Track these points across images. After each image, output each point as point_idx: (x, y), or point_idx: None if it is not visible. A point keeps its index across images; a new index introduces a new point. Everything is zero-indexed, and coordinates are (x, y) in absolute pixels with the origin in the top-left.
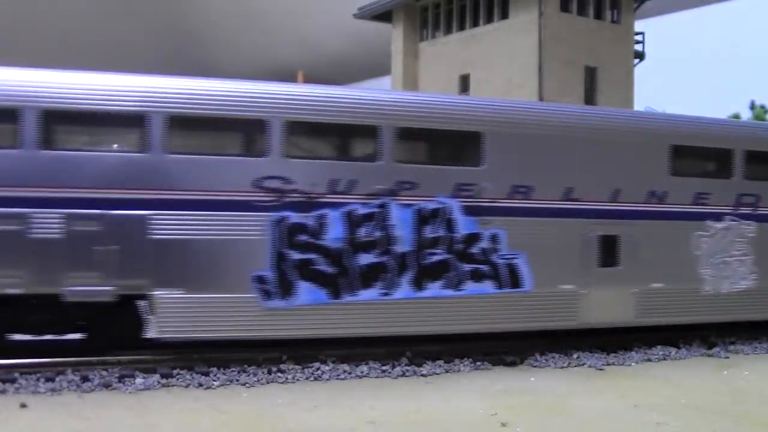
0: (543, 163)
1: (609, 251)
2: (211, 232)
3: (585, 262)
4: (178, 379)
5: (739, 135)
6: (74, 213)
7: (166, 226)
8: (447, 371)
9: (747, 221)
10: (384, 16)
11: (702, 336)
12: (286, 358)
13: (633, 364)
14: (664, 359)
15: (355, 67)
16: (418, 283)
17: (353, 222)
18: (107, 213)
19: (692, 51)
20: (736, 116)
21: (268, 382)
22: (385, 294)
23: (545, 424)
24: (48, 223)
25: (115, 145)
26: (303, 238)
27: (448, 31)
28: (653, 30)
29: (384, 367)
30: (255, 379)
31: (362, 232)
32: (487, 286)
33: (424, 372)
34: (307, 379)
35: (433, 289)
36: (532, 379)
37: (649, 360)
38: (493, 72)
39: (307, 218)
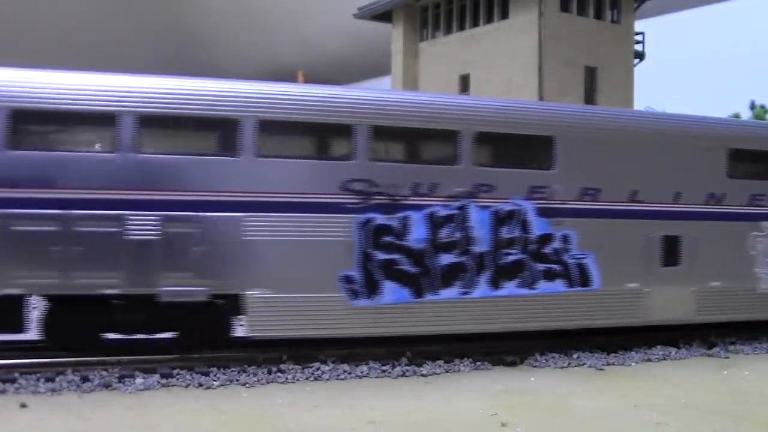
0: (609, 166)
1: (671, 251)
2: (301, 233)
3: (648, 262)
4: (178, 379)
5: None
6: (170, 215)
7: (258, 227)
8: (447, 371)
9: None
10: (384, 16)
11: (702, 336)
12: (286, 358)
13: (633, 364)
14: (664, 359)
15: (355, 67)
16: (494, 282)
17: (435, 223)
18: (201, 215)
19: (692, 51)
20: (736, 116)
21: (268, 382)
22: (465, 293)
23: (545, 424)
24: (144, 225)
25: (208, 149)
26: (387, 239)
27: (448, 31)
28: (653, 30)
29: (384, 367)
30: (255, 379)
31: (443, 233)
32: (559, 285)
33: (424, 372)
34: (307, 379)
35: (509, 287)
36: (532, 379)
37: (649, 360)
38: (493, 72)
39: (392, 220)
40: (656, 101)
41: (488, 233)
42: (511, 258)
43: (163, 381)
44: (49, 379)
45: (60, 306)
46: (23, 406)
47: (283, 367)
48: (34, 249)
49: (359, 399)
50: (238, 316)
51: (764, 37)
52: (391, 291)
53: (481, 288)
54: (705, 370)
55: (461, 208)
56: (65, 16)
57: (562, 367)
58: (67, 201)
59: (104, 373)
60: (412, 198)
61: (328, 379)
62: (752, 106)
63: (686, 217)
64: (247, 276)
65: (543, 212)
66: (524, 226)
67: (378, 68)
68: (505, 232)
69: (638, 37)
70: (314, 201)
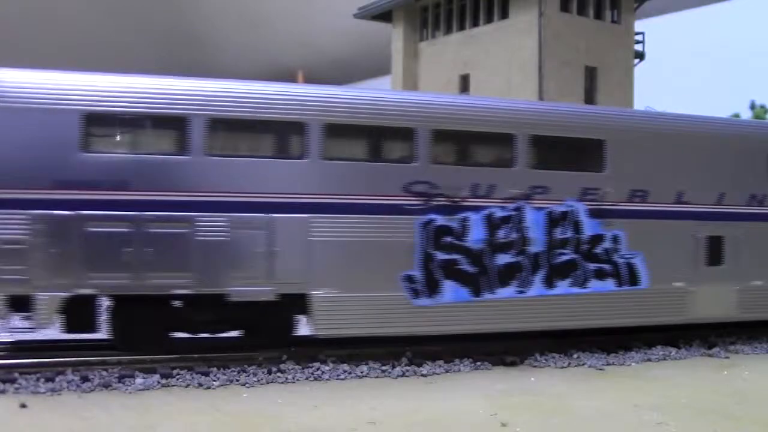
0: (657, 168)
1: (715, 251)
2: (364, 234)
3: (694, 261)
4: (178, 379)
5: None
6: (239, 216)
7: (324, 228)
8: (447, 371)
9: None
10: (384, 16)
11: (702, 336)
12: (286, 358)
13: (633, 364)
14: (664, 359)
15: (355, 67)
16: (549, 282)
17: (492, 224)
18: (269, 216)
19: (692, 51)
20: (736, 116)
21: (268, 382)
22: (520, 292)
23: (545, 424)
24: (214, 227)
25: (277, 152)
26: (447, 239)
27: (448, 31)
28: (653, 30)
29: (384, 367)
30: (255, 379)
31: (500, 234)
32: (609, 284)
33: (424, 372)
34: (307, 379)
35: (562, 286)
36: (532, 379)
37: (649, 360)
38: (493, 72)
39: (451, 221)
40: (656, 101)
41: (543, 234)
42: (564, 258)
43: (163, 381)
44: (49, 379)
45: (130, 306)
46: (23, 406)
47: (283, 367)
48: (107, 250)
49: (359, 399)
50: (302, 316)
51: (764, 37)
52: (451, 290)
53: (536, 287)
54: (705, 370)
55: (517, 209)
56: (65, 17)
57: (562, 367)
58: (139, 202)
59: (104, 373)
60: (470, 199)
61: (328, 379)
62: (752, 106)
63: (729, 218)
64: (313, 276)
65: (594, 213)
66: (577, 226)
67: (378, 68)
68: (559, 233)
69: (638, 37)
70: (377, 202)
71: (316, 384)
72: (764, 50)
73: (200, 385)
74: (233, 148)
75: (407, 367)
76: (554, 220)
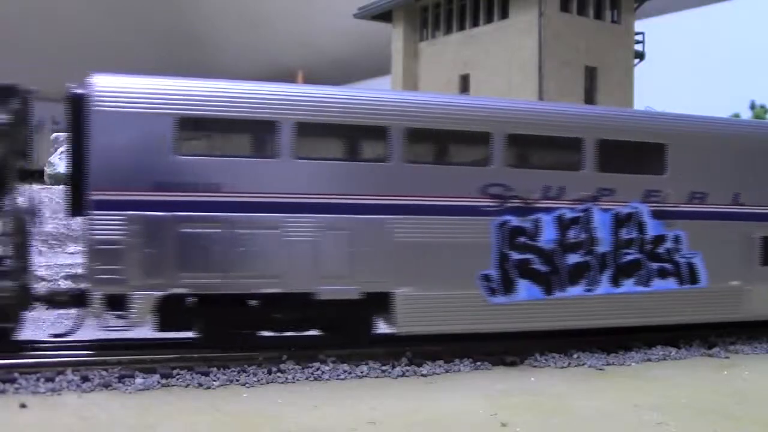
0: (715, 171)
1: None
2: (444, 234)
3: (748, 261)
4: (178, 379)
5: None
6: (326, 218)
7: (406, 229)
8: (447, 371)
9: None
10: (384, 16)
11: (702, 336)
12: (286, 358)
13: (633, 364)
14: (664, 359)
15: (355, 67)
16: (615, 280)
17: (563, 225)
18: (355, 218)
19: (692, 51)
20: (736, 116)
21: (268, 382)
22: (589, 290)
23: (545, 424)
24: (302, 228)
25: (360, 155)
26: (521, 239)
27: (448, 31)
28: (653, 30)
29: (384, 367)
30: (255, 379)
31: (570, 234)
32: (671, 283)
33: (424, 372)
34: (307, 379)
35: (628, 285)
36: (532, 379)
37: (649, 360)
38: (493, 72)
39: (525, 222)
40: (656, 101)
41: (609, 234)
42: (629, 257)
43: (163, 381)
44: (49, 379)
45: (220, 305)
46: (23, 406)
47: (283, 367)
48: (200, 250)
49: (359, 399)
50: (382, 314)
51: (764, 37)
52: (524, 288)
53: (603, 285)
54: (705, 370)
55: (586, 210)
56: (65, 17)
57: (562, 367)
58: (230, 204)
59: (104, 373)
60: (542, 201)
61: (328, 379)
62: (752, 106)
63: None
64: (396, 275)
65: (657, 214)
66: (641, 227)
67: (378, 68)
68: (624, 234)
69: (638, 37)
70: (456, 204)
71: (316, 384)
72: (764, 50)
73: (200, 385)
74: (319, 151)
75: (407, 367)
76: (620, 221)
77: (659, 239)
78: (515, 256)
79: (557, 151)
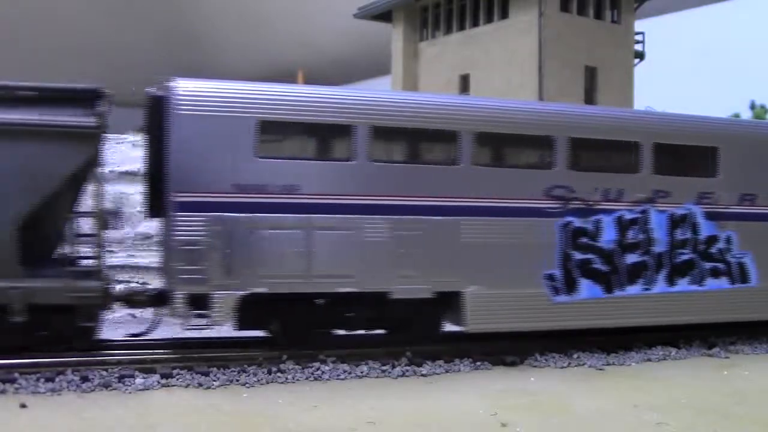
0: (764, 174)
1: None
2: (511, 235)
3: None
4: (178, 379)
5: None
6: (399, 219)
7: (475, 230)
8: (447, 371)
9: None
10: (384, 16)
11: (702, 336)
12: (286, 358)
13: (633, 364)
14: (664, 359)
15: (355, 67)
16: (670, 279)
17: (622, 226)
18: (426, 218)
19: (692, 51)
20: (736, 116)
21: (268, 382)
22: (646, 289)
23: (545, 424)
24: (377, 228)
25: (431, 158)
26: (583, 240)
27: (448, 31)
28: (653, 30)
29: (384, 367)
30: (255, 379)
31: (629, 235)
32: (723, 282)
33: (424, 372)
34: (307, 379)
35: (682, 284)
36: (532, 379)
37: (649, 360)
38: (493, 72)
39: (586, 223)
40: (656, 101)
41: (665, 235)
42: (683, 257)
43: (163, 381)
44: (49, 379)
45: (296, 304)
46: (23, 406)
47: (283, 367)
48: (279, 250)
49: (359, 399)
50: (450, 312)
51: (764, 37)
52: (586, 287)
53: (660, 284)
54: (705, 370)
55: (643, 212)
56: (65, 17)
57: (562, 367)
58: (308, 206)
59: (104, 373)
60: (602, 203)
61: (328, 379)
62: (752, 106)
63: None
64: (465, 274)
65: (710, 216)
66: (694, 228)
67: (378, 68)
68: (679, 234)
69: (638, 37)
70: (522, 206)
71: (316, 384)
72: (764, 50)
73: (200, 385)
74: (394, 154)
75: (407, 367)
76: (675, 222)
77: (712, 240)
78: (577, 256)
79: (616, 155)
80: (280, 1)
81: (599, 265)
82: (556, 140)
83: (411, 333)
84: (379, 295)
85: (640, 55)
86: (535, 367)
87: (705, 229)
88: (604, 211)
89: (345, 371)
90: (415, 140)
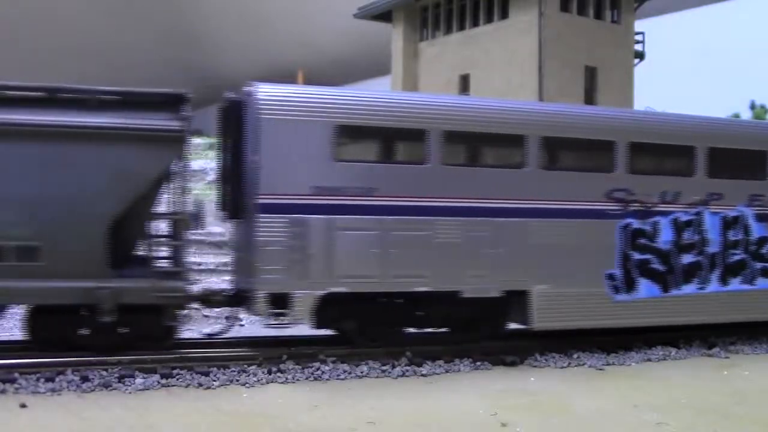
0: None
1: None
2: (574, 236)
3: None
4: (178, 379)
5: None
6: (471, 220)
7: (541, 231)
8: (447, 371)
9: None
10: (384, 16)
11: (702, 336)
12: (286, 358)
13: (633, 364)
14: (664, 359)
15: (355, 67)
16: (723, 279)
17: (678, 227)
18: (497, 220)
19: (692, 51)
20: (736, 116)
21: (268, 382)
22: (700, 288)
23: (545, 424)
24: (450, 230)
25: (500, 161)
26: (642, 241)
27: (448, 31)
28: (653, 30)
29: (384, 367)
30: (255, 379)
31: (684, 236)
32: None
33: (424, 372)
34: (307, 379)
35: (734, 283)
36: (532, 379)
37: (649, 360)
38: (493, 72)
39: (645, 224)
40: (656, 101)
41: (718, 236)
42: (736, 258)
43: (163, 381)
44: (49, 379)
45: (371, 304)
46: (23, 406)
47: (283, 367)
48: (356, 251)
49: (359, 399)
50: (516, 311)
51: (764, 37)
52: (644, 287)
53: (713, 284)
54: (705, 370)
55: (698, 214)
56: (65, 17)
57: (562, 367)
58: (384, 207)
59: (104, 373)
60: (660, 205)
61: (328, 379)
62: (752, 106)
63: None
64: (533, 273)
65: (760, 217)
66: (746, 229)
67: (378, 68)
68: (732, 235)
69: (638, 37)
70: (585, 208)
71: (316, 384)
72: (764, 50)
73: (200, 385)
74: (465, 158)
75: (407, 367)
76: (727, 224)
77: (762, 240)
78: (636, 256)
79: (672, 158)
80: (280, 1)
81: (657, 265)
82: (617, 144)
83: (477, 332)
84: (450, 294)
85: (640, 55)
86: (535, 367)
87: (756, 230)
88: (661, 213)
89: (345, 371)
90: (485, 144)
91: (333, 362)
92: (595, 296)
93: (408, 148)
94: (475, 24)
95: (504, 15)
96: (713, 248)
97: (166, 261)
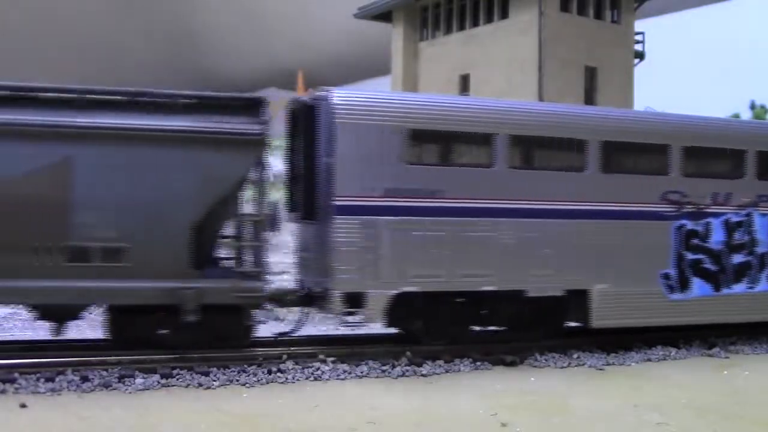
0: None
1: None
2: (632, 236)
3: None
4: (178, 379)
5: None
6: (534, 221)
7: (601, 232)
8: (447, 371)
9: None
10: (384, 16)
11: (702, 336)
12: (286, 358)
13: (633, 364)
14: (664, 359)
15: (355, 67)
16: None
17: (729, 228)
18: (559, 221)
19: (692, 51)
20: (736, 116)
21: (268, 382)
22: (750, 287)
23: (545, 424)
24: (514, 230)
25: (562, 165)
26: (695, 241)
27: (448, 31)
28: (653, 30)
29: (384, 367)
30: (255, 379)
31: (735, 237)
32: None
33: (424, 372)
34: (307, 379)
35: None
36: (532, 379)
37: (649, 360)
38: (493, 72)
39: (698, 225)
40: (656, 101)
41: (766, 236)
42: None
43: (163, 381)
44: (49, 379)
45: (439, 302)
46: (23, 406)
47: (283, 367)
48: (427, 251)
49: (359, 399)
50: (575, 310)
51: (764, 37)
52: (697, 286)
53: (762, 283)
54: (705, 370)
55: (747, 215)
56: (66, 18)
57: (562, 367)
58: (453, 209)
59: (104, 373)
60: (712, 207)
61: (328, 379)
62: (752, 106)
63: None
64: (593, 273)
65: None
66: None
67: (378, 68)
68: None
69: (638, 37)
70: (642, 210)
71: (316, 384)
72: (764, 50)
73: (200, 385)
74: (529, 161)
75: (407, 367)
76: None
77: None
78: (690, 256)
79: (723, 161)
80: (280, 1)
81: (709, 264)
82: (671, 148)
83: (538, 330)
84: (515, 293)
85: (640, 55)
86: (535, 367)
87: None
88: (713, 214)
89: (345, 371)
90: (548, 148)
91: (333, 362)
92: (652, 295)
93: (475, 151)
94: (475, 24)
95: (504, 15)
96: (762, 248)
97: (245, 262)
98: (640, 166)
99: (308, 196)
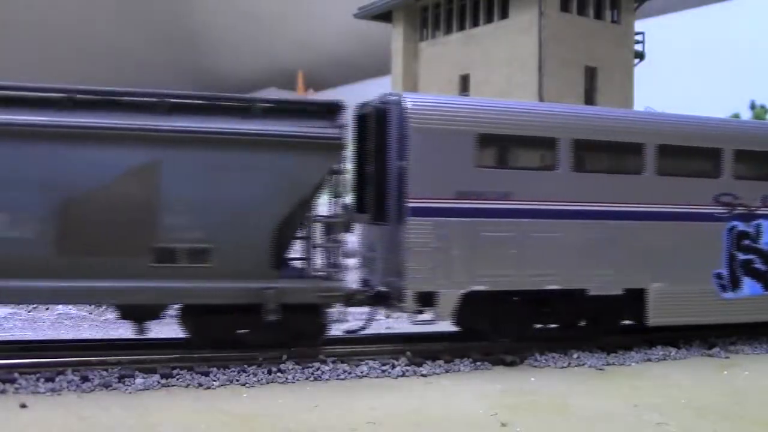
0: None
1: None
2: (687, 237)
3: None
4: (178, 379)
5: None
6: (596, 222)
7: (657, 233)
8: (447, 371)
9: None
10: (384, 16)
11: (702, 336)
12: (286, 358)
13: (633, 364)
14: (664, 359)
15: (355, 67)
16: None
17: None
18: (618, 223)
19: (692, 51)
20: (736, 116)
21: (268, 382)
22: None
23: (545, 424)
24: (578, 231)
25: (623, 167)
26: (746, 242)
27: (448, 31)
28: (653, 30)
29: (384, 367)
30: (255, 379)
31: None
32: None
33: (424, 372)
34: (307, 379)
35: None
36: (532, 379)
37: (649, 360)
38: (493, 72)
39: (749, 226)
40: (656, 101)
41: None
42: None
43: (163, 381)
44: (49, 379)
45: (506, 301)
46: (23, 406)
47: (283, 367)
48: (495, 251)
49: (359, 399)
50: (632, 308)
51: (764, 37)
52: (748, 285)
53: None
54: (705, 370)
55: None
56: (64, 20)
57: (562, 367)
58: (520, 211)
59: (104, 373)
60: (762, 209)
61: (328, 379)
62: (752, 106)
63: None
64: (650, 272)
65: None
66: None
67: (378, 68)
68: None
69: (638, 37)
70: (697, 211)
71: (316, 384)
72: (764, 50)
73: (200, 385)
74: (591, 164)
75: (407, 367)
76: None
77: None
78: (741, 256)
79: None
80: (280, 1)
81: (759, 264)
82: (723, 152)
83: (597, 328)
84: (578, 292)
85: (640, 55)
86: (535, 367)
87: None
88: (762, 215)
89: (345, 371)
90: (608, 152)
91: (333, 362)
92: (706, 294)
93: (542, 155)
94: (475, 24)
95: (504, 15)
96: None
97: (322, 263)
98: (694, 169)
99: (378, 198)
